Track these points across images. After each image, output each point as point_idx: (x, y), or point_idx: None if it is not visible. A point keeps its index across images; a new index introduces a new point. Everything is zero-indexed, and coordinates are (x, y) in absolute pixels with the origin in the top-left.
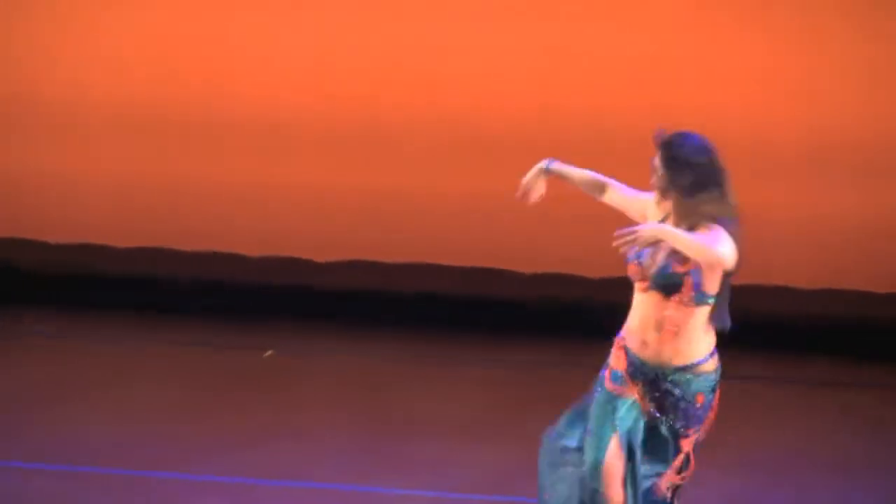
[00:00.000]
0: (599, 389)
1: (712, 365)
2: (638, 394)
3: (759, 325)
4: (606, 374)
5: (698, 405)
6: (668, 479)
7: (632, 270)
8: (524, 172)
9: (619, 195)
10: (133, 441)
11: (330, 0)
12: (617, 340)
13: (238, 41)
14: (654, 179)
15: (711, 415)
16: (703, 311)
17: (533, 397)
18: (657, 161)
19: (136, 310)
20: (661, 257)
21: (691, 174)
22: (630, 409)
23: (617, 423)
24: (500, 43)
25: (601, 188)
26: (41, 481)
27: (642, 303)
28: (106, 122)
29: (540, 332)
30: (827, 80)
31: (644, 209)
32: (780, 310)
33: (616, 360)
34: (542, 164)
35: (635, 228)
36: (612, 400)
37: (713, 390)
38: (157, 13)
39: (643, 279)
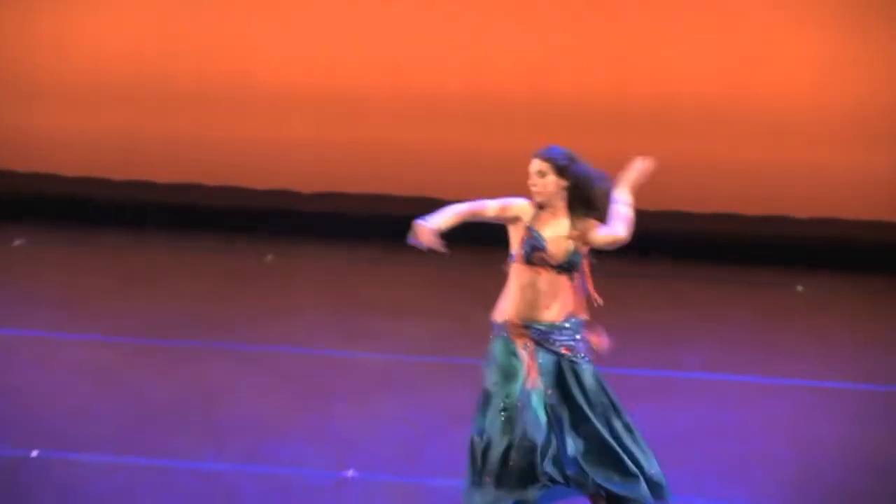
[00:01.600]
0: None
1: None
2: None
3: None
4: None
5: (580, 338)
6: None
7: (541, 259)
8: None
9: (491, 212)
10: (170, 320)
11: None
12: (509, 326)
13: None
14: (544, 185)
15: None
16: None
17: (454, 287)
18: (549, 168)
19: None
20: (566, 248)
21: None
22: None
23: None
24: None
25: (474, 216)
26: (109, 351)
27: (538, 281)
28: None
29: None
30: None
31: (518, 213)
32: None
33: (518, 337)
34: (427, 226)
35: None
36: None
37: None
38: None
39: (546, 265)
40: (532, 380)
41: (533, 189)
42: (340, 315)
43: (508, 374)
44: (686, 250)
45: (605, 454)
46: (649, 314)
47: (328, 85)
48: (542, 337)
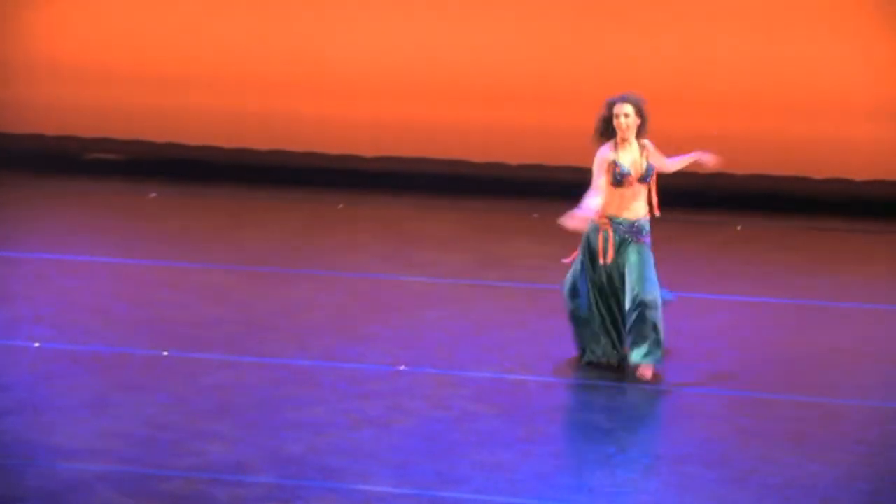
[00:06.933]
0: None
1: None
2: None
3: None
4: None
5: (647, 233)
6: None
7: (628, 182)
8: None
9: (603, 181)
10: (267, 252)
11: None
12: (599, 218)
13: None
14: (630, 124)
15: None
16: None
17: (480, 228)
18: (631, 105)
19: (272, 184)
20: (642, 164)
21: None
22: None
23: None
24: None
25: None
26: (220, 276)
27: (627, 192)
28: None
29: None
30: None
31: (609, 160)
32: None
33: (603, 226)
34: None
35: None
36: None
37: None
38: None
39: (631, 183)
40: (610, 257)
41: (622, 125)
42: (394, 248)
43: (590, 251)
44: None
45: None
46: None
47: (386, 72)
48: (621, 229)
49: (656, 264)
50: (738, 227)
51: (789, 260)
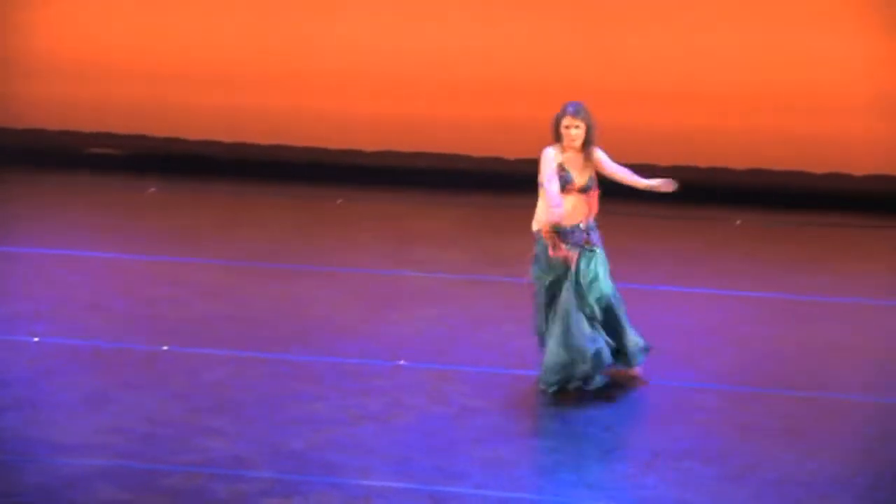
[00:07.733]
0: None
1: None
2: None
3: None
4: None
5: (595, 232)
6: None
7: (569, 189)
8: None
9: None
10: (266, 248)
11: None
12: (545, 229)
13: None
14: (580, 133)
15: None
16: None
17: (478, 225)
18: (581, 121)
19: (272, 179)
20: (586, 175)
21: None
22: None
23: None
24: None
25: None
26: (220, 272)
27: (572, 200)
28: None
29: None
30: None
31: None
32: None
33: (554, 241)
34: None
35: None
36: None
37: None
38: None
39: (573, 190)
40: (572, 261)
41: (571, 137)
42: (393, 244)
43: (549, 268)
44: (651, 193)
45: (611, 319)
46: (624, 242)
47: (385, 67)
48: (568, 236)
49: (650, 258)
50: (738, 223)
51: (788, 255)
